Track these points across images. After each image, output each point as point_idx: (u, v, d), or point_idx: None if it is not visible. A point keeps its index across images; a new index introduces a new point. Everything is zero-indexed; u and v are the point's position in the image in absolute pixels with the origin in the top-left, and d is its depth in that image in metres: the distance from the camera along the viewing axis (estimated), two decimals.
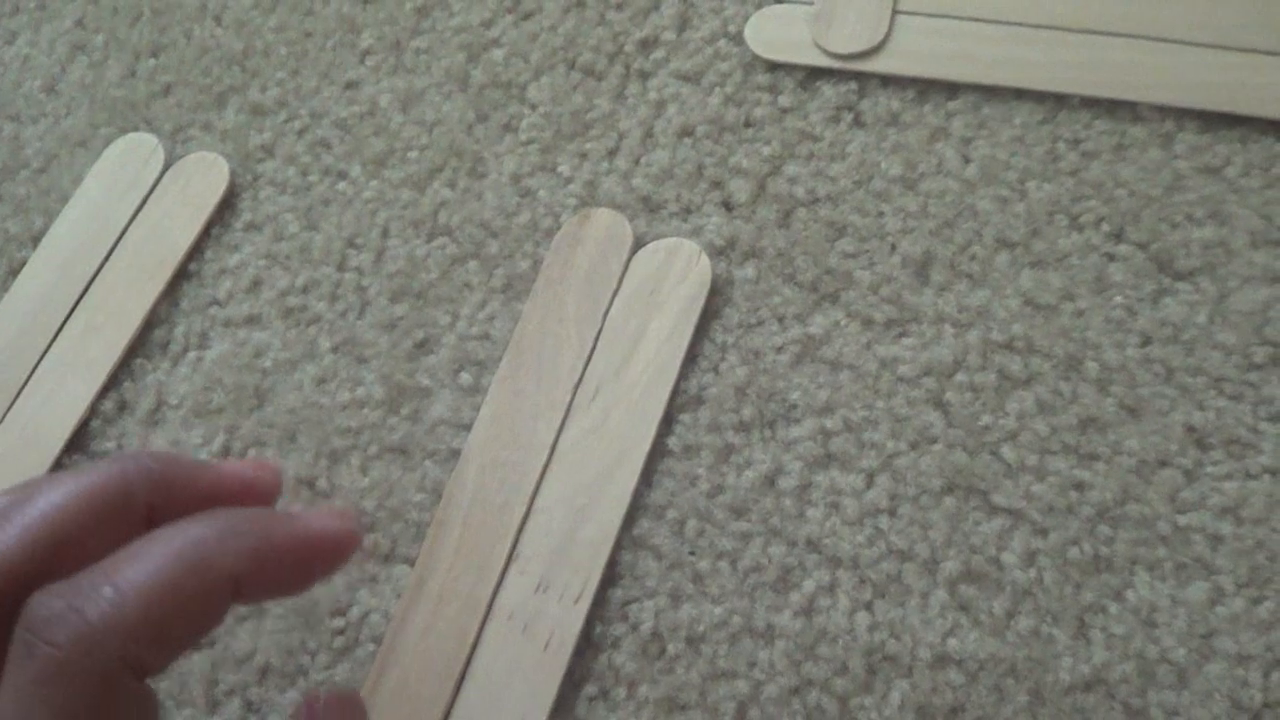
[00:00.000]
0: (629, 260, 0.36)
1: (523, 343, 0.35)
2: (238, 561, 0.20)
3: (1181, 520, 0.30)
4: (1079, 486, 0.31)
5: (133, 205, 0.41)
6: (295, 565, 0.22)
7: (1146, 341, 0.33)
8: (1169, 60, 0.36)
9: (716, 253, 0.36)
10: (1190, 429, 0.31)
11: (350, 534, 0.23)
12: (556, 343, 0.35)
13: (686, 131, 0.39)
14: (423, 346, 0.37)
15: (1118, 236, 0.34)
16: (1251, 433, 0.31)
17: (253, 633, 0.33)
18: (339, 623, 0.32)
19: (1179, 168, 0.35)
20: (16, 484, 0.22)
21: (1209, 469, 0.31)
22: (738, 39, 0.40)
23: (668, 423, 0.34)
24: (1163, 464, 0.31)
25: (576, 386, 0.34)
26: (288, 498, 0.35)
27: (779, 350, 0.34)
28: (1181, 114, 0.35)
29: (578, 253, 0.36)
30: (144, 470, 0.21)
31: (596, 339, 0.35)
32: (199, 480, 0.22)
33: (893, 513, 0.31)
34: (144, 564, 0.19)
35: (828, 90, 0.38)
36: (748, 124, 0.39)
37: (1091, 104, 0.36)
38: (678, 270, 0.35)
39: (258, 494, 0.23)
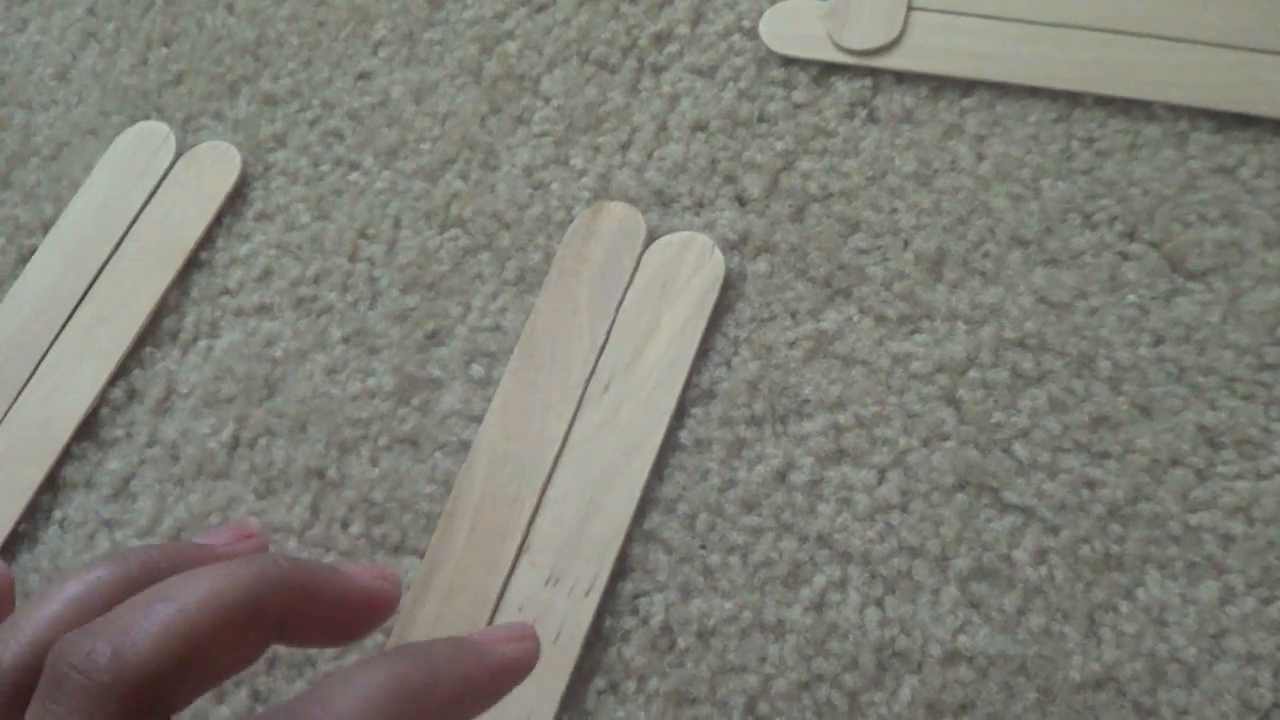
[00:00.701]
0: (642, 254, 0.36)
1: (534, 335, 0.35)
2: (288, 604, 0.21)
3: (1193, 519, 0.30)
4: (1090, 485, 0.31)
5: (144, 194, 0.41)
6: (340, 619, 0.22)
7: (1159, 340, 0.33)
8: (1184, 60, 0.36)
9: (729, 247, 0.36)
10: (1202, 428, 0.31)
11: (393, 596, 0.23)
12: (568, 335, 0.35)
13: (700, 126, 0.39)
14: (434, 338, 0.37)
15: (1131, 235, 0.34)
16: (1263, 433, 0.31)
17: None
18: None
19: (1193, 167, 0.35)
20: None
21: (1220, 468, 0.31)
22: (752, 34, 0.40)
23: (679, 416, 0.34)
24: (1174, 463, 0.31)
25: (588, 379, 0.34)
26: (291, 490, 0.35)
27: (791, 345, 0.34)
28: (1196, 114, 0.35)
29: (590, 245, 0.36)
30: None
31: (609, 332, 0.35)
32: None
33: (904, 509, 0.31)
34: (187, 595, 0.19)
35: (842, 86, 0.38)
36: (761, 119, 0.38)
37: (1106, 103, 0.36)
38: (690, 264, 0.35)
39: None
